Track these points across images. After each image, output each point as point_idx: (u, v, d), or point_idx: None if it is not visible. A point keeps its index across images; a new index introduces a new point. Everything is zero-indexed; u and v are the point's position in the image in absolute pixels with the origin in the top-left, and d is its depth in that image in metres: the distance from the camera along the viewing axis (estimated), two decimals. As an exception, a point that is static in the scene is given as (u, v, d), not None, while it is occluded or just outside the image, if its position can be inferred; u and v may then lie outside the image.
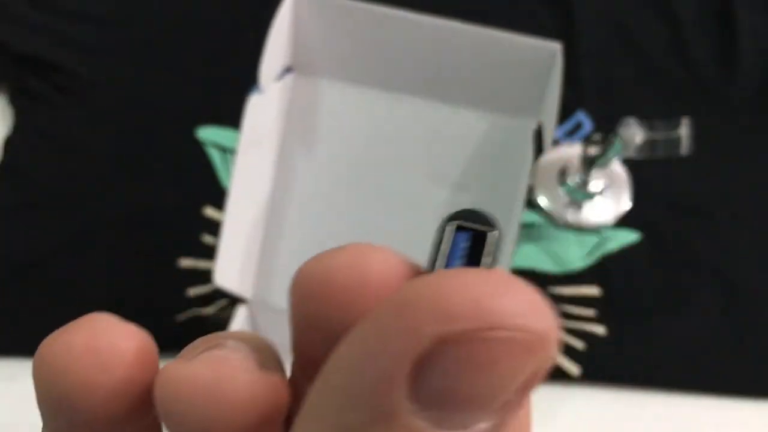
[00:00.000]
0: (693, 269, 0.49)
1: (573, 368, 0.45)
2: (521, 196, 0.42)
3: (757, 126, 0.54)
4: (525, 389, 0.10)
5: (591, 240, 0.49)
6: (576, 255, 0.48)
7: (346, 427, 0.11)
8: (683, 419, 0.45)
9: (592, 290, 0.47)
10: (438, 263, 0.12)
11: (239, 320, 0.40)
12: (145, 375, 0.13)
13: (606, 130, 0.48)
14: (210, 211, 0.47)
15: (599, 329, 0.46)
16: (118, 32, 0.53)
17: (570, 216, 0.49)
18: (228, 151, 0.49)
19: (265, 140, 0.45)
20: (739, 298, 0.48)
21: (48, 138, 0.50)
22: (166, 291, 0.46)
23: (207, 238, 0.46)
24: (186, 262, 0.46)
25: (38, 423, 0.15)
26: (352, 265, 0.12)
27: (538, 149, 0.50)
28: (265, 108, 0.46)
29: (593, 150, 0.47)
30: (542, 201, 0.49)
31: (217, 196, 0.46)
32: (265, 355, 0.13)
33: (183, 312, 0.45)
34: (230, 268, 0.40)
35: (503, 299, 0.10)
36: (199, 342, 0.14)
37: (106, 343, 0.13)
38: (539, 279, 0.47)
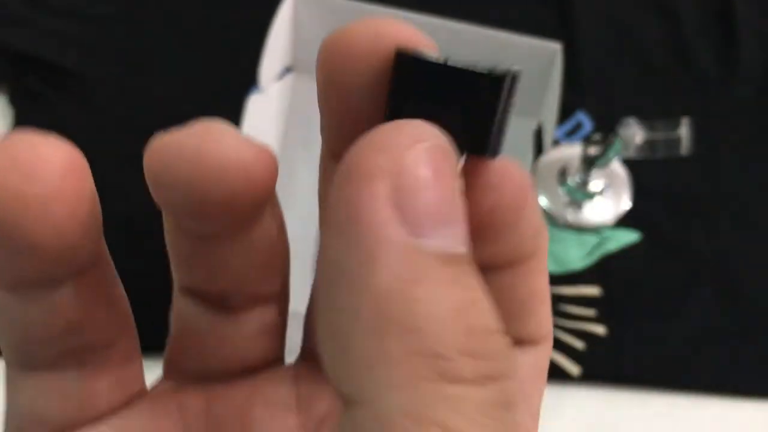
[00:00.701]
0: (693, 269, 0.49)
1: (573, 368, 0.45)
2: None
3: (757, 126, 0.54)
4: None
5: (591, 240, 0.49)
6: (576, 255, 0.48)
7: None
8: (683, 419, 0.45)
9: (592, 290, 0.47)
10: None
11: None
12: (78, 187, 0.12)
13: (606, 130, 0.48)
14: (210, 211, 0.47)
15: (599, 329, 0.46)
16: (118, 32, 0.53)
17: (570, 216, 0.49)
18: (228, 151, 0.49)
19: (265, 140, 0.45)
20: (739, 298, 0.48)
21: (48, 138, 0.50)
22: (166, 291, 0.45)
23: (207, 238, 0.46)
24: (186, 262, 0.46)
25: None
26: (371, 28, 0.13)
27: (538, 149, 0.50)
28: (265, 108, 0.46)
29: (593, 150, 0.47)
30: (542, 201, 0.49)
31: (217, 196, 0.46)
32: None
33: (183, 312, 0.45)
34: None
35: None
36: (190, 123, 0.13)
37: (30, 155, 0.11)
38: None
